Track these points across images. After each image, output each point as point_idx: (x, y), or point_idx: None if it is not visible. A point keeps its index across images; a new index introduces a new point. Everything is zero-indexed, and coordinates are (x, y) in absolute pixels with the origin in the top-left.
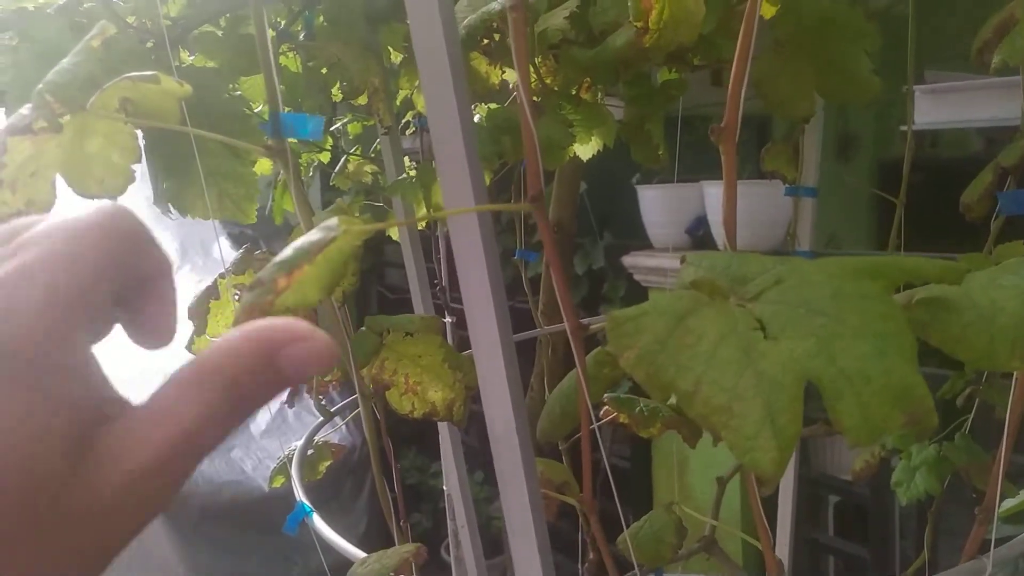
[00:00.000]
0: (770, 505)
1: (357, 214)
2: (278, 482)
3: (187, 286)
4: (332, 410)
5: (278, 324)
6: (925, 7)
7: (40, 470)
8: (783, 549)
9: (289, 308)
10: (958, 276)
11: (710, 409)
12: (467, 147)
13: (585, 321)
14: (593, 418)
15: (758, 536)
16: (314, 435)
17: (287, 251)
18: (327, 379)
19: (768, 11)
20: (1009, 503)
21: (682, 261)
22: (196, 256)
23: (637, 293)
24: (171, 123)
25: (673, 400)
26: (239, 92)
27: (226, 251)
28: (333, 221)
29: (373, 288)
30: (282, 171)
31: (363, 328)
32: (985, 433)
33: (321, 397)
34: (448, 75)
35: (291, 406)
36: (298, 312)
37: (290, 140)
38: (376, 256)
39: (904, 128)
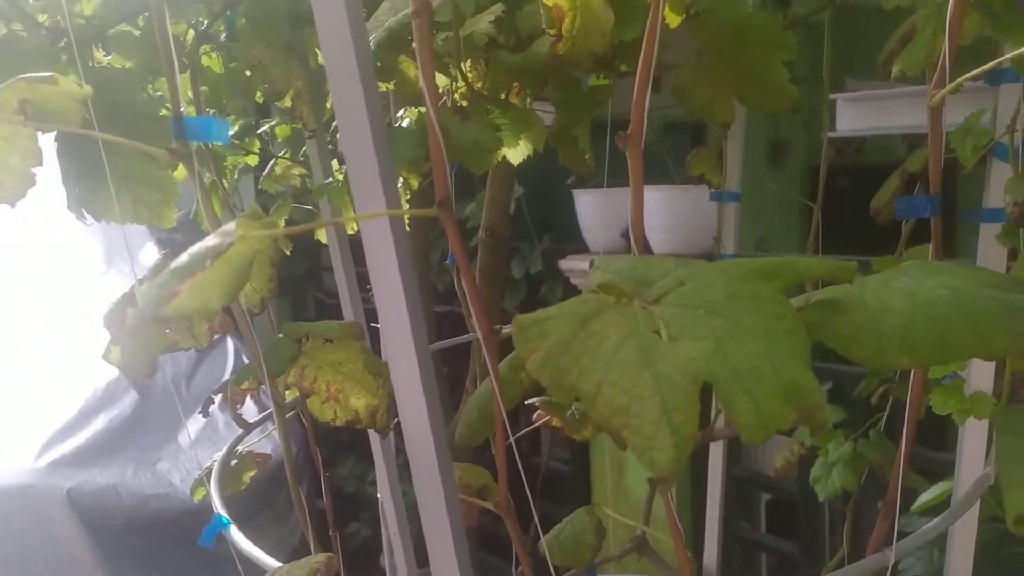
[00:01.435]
0: (700, 503)
1: (284, 218)
2: (200, 494)
3: (113, 293)
4: (258, 419)
5: None
6: (846, 17)
7: None
8: (712, 546)
9: (186, 313)
10: (849, 275)
11: (611, 410)
12: (377, 151)
13: (497, 327)
14: (516, 423)
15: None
16: (236, 445)
17: (183, 257)
18: (243, 387)
19: (673, 20)
20: (923, 498)
21: (591, 265)
22: (122, 262)
23: (574, 296)
24: (73, 126)
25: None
26: (160, 93)
27: (154, 256)
28: (230, 226)
29: (310, 293)
30: (206, 175)
31: (280, 335)
32: (899, 430)
33: (237, 406)
34: (356, 79)
35: (204, 415)
36: (210, 317)
37: (216, 144)
38: (313, 261)
39: (829, 135)
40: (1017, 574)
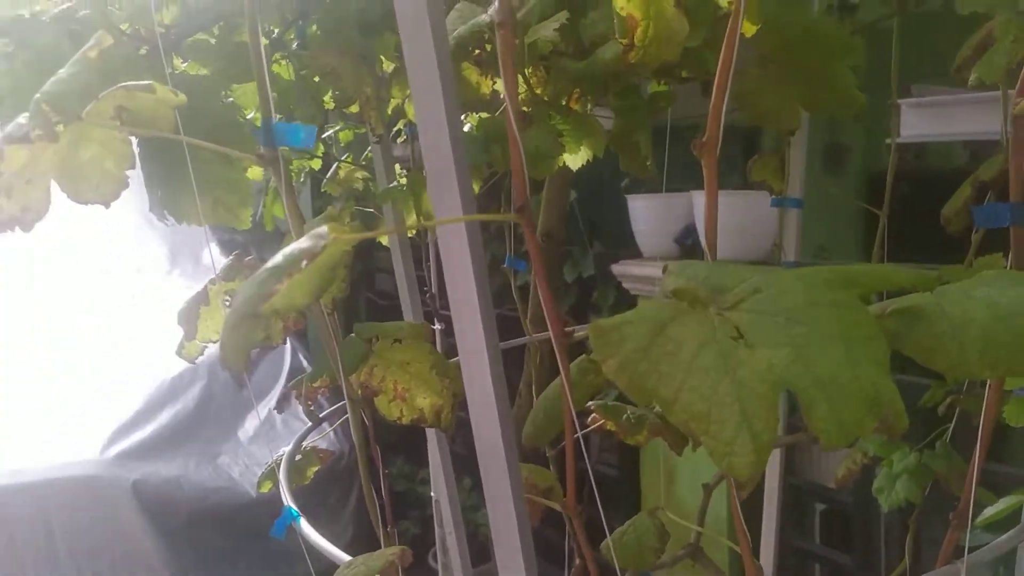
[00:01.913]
0: (756, 512)
1: (348, 220)
2: (266, 487)
3: (177, 292)
4: (327, 411)
5: None
6: (913, 23)
7: None
8: (768, 556)
9: (278, 311)
10: (929, 284)
11: (690, 415)
12: (456, 157)
13: (569, 329)
14: (578, 426)
15: (732, 537)
16: (302, 440)
17: (278, 258)
18: (316, 385)
19: (749, 29)
20: (989, 511)
21: (664, 271)
22: (186, 262)
23: (626, 301)
24: (165, 131)
25: (658, 408)
26: (231, 99)
27: (216, 257)
28: (323, 229)
29: (362, 294)
30: (273, 179)
31: (352, 335)
32: (965, 442)
33: (310, 403)
34: (438, 85)
35: (280, 411)
36: (287, 316)
37: (282, 148)
38: (366, 262)
39: (888, 141)
40: None
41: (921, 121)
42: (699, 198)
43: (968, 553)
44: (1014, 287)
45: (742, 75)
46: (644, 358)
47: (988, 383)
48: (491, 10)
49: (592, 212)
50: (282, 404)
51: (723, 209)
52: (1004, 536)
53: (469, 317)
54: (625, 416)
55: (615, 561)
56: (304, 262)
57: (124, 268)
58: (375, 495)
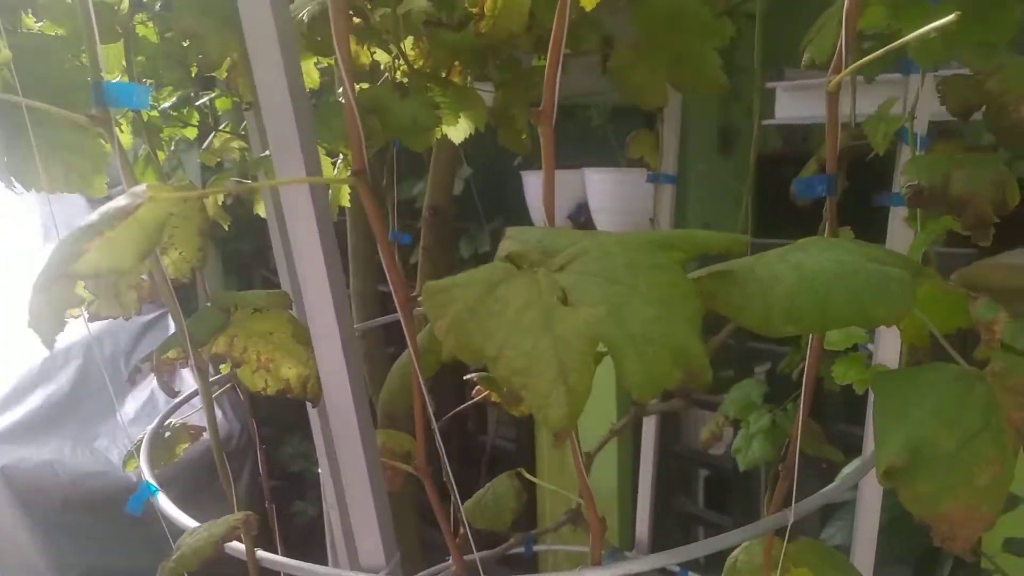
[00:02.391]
0: (637, 478)
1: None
2: (131, 466)
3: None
4: (191, 392)
5: None
6: (786, 6)
7: None
8: (644, 518)
9: (99, 272)
10: (741, 247)
11: (511, 371)
12: (298, 119)
13: (414, 295)
14: (443, 396)
15: (623, 505)
16: (167, 417)
17: (93, 216)
18: (170, 357)
19: (588, 3)
20: (844, 472)
21: (503, 236)
22: (61, 235)
23: None
24: None
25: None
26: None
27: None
28: (141, 187)
29: (258, 272)
30: (144, 146)
31: (207, 304)
32: (824, 408)
33: (164, 376)
34: (275, 45)
35: (132, 383)
36: (132, 285)
37: (152, 114)
38: (261, 240)
39: (767, 123)
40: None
41: (792, 103)
42: (591, 175)
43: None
44: (824, 252)
45: (614, 52)
46: (471, 318)
47: (809, 345)
48: None
49: (491, 189)
50: (133, 375)
51: (605, 185)
52: (831, 485)
53: (317, 285)
54: (506, 388)
55: (471, 523)
56: (117, 221)
57: None
58: (227, 468)
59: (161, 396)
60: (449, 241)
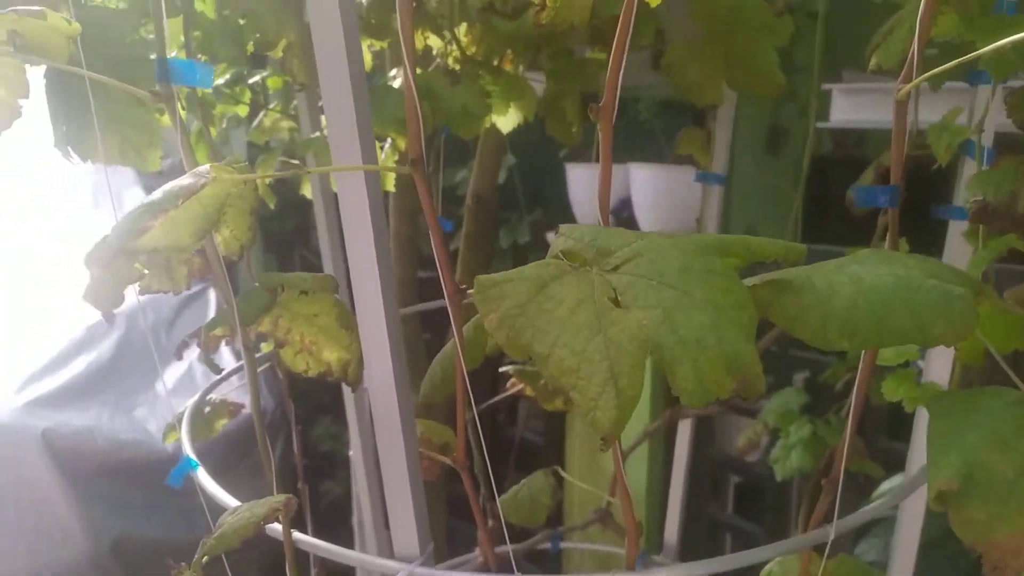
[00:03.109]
0: (668, 482)
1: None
2: (171, 438)
3: (99, 236)
4: (234, 367)
5: None
6: (847, 8)
7: None
8: (673, 522)
9: (159, 249)
10: (798, 256)
11: (561, 371)
12: (357, 104)
13: (463, 287)
14: (484, 391)
15: (651, 507)
16: (209, 392)
17: (156, 194)
18: (217, 334)
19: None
20: (883, 487)
21: (556, 232)
22: (109, 206)
23: None
24: (59, 61)
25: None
26: (152, 37)
27: (141, 200)
28: (205, 168)
29: (297, 251)
30: (196, 122)
31: (256, 285)
32: (868, 420)
33: (210, 352)
34: (339, 33)
35: (178, 358)
36: (184, 260)
37: (205, 91)
38: (302, 218)
39: (820, 125)
40: (965, 565)
41: (849, 107)
42: (636, 171)
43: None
44: (883, 265)
45: (669, 47)
46: (522, 314)
47: (862, 360)
48: None
49: (534, 180)
50: (180, 350)
51: (650, 182)
52: (875, 503)
53: (367, 270)
54: (542, 381)
55: (506, 518)
56: (181, 200)
57: (44, 206)
58: (268, 449)
59: (199, 369)
60: (491, 230)
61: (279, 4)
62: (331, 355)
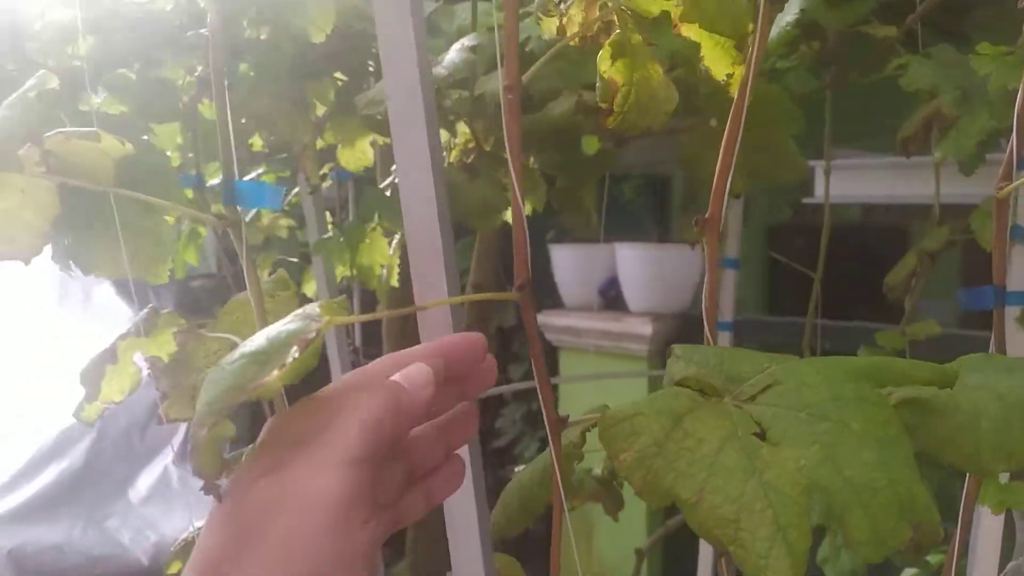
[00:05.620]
0: (677, 571)
1: (268, 271)
2: (175, 568)
3: (65, 334)
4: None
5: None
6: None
7: None
8: None
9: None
10: (950, 380)
11: (716, 521)
12: (444, 243)
13: (564, 416)
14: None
15: None
16: None
17: (260, 341)
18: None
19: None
20: None
21: (670, 354)
22: (75, 303)
23: (547, 353)
24: (104, 183)
25: (598, 471)
26: (145, 138)
27: (110, 298)
28: (313, 309)
29: None
30: (186, 224)
31: None
32: None
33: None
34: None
35: (178, 465)
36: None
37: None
38: None
39: (807, 200)
40: None
41: (843, 183)
42: (622, 249)
43: None
44: (1009, 374)
45: (689, 138)
46: (659, 453)
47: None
48: (445, 64)
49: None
50: (182, 456)
51: (636, 262)
52: None
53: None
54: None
55: None
56: (295, 349)
57: (6, 298)
58: None
59: (174, 476)
60: (489, 318)
61: (289, 107)
62: None
